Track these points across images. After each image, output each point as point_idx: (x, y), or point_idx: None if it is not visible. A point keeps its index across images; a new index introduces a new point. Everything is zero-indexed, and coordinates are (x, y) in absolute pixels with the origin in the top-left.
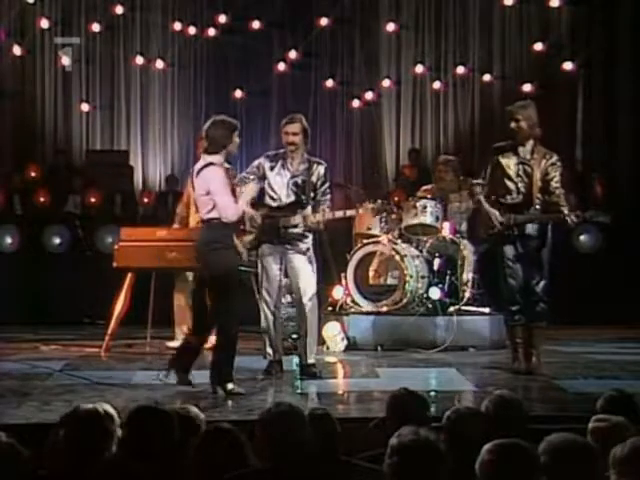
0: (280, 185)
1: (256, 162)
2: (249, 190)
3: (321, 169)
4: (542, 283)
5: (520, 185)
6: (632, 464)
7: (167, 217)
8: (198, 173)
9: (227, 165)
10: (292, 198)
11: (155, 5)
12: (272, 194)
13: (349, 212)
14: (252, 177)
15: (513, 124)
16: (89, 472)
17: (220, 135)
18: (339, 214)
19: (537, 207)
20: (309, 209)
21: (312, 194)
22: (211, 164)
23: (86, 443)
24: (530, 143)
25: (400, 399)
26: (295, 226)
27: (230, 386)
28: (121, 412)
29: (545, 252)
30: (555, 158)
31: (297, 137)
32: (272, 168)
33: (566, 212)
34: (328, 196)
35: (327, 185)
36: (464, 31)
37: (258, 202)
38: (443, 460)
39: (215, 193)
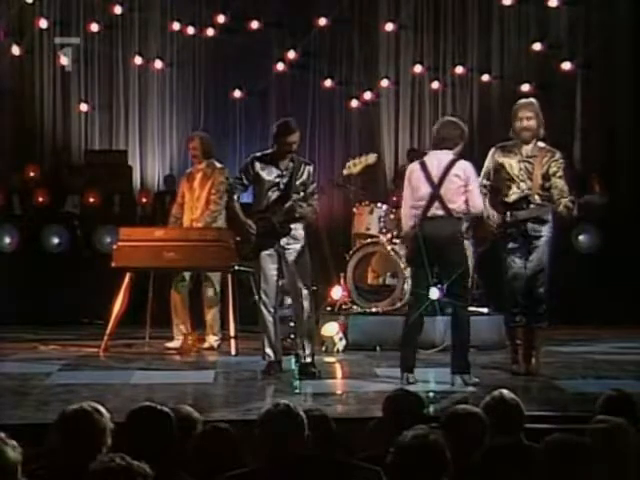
0: (270, 185)
1: (246, 164)
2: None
3: (310, 169)
4: (544, 284)
5: (521, 184)
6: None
7: (165, 217)
8: (448, 169)
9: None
10: (278, 195)
11: (154, 5)
12: (262, 194)
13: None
14: (245, 180)
15: (525, 122)
16: (88, 472)
17: (457, 134)
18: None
19: (537, 202)
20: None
21: (302, 194)
22: (457, 159)
23: (80, 442)
24: (534, 142)
25: (397, 399)
26: (288, 215)
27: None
28: (120, 412)
29: (546, 252)
30: (558, 155)
31: (296, 144)
32: (263, 169)
33: (563, 201)
34: (316, 195)
35: (315, 185)
36: (463, 31)
37: (248, 208)
38: (445, 461)
39: (473, 183)
